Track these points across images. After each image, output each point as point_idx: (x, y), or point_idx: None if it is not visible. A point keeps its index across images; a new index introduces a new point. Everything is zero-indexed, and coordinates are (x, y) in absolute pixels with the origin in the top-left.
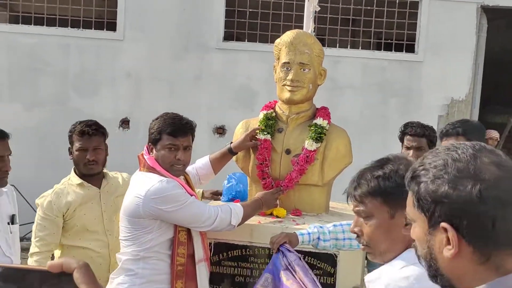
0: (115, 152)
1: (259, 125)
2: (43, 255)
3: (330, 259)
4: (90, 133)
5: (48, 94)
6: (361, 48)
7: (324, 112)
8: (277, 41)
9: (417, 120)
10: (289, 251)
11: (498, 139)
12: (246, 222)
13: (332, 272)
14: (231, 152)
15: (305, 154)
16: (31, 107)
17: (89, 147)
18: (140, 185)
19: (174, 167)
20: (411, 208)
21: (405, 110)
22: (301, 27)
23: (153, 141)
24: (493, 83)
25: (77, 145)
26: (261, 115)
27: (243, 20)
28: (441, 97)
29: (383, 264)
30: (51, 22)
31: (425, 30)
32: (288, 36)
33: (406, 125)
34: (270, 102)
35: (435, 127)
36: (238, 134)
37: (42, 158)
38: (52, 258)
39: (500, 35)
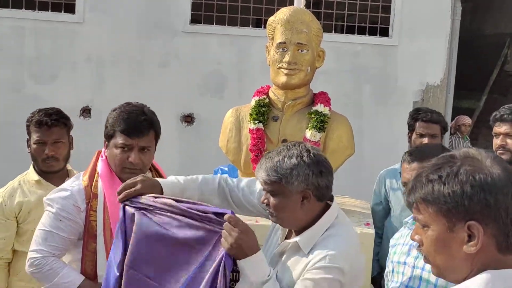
0: (76, 143)
1: (250, 113)
2: None
3: None
4: (49, 124)
5: (2, 80)
6: (334, 32)
7: (323, 97)
8: (271, 19)
9: (393, 107)
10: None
11: (471, 125)
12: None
13: None
14: None
15: None
16: None
17: (48, 140)
18: None
19: (126, 169)
20: None
21: (379, 96)
22: (273, 10)
23: (107, 137)
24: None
25: (34, 137)
26: (253, 102)
27: (211, 1)
28: (416, 82)
29: None
30: (3, 3)
31: (399, 13)
32: (283, 13)
33: (417, 111)
34: (262, 87)
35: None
36: (227, 123)
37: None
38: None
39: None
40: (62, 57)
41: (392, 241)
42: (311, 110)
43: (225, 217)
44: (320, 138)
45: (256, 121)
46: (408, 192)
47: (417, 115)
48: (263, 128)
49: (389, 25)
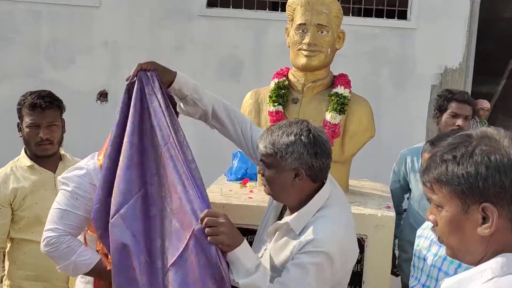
0: (93, 127)
1: (270, 95)
2: None
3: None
4: (43, 106)
5: (19, 65)
6: (352, 15)
7: (344, 79)
8: (291, 0)
9: (411, 90)
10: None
11: (489, 109)
12: (259, 204)
13: (359, 258)
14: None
15: (330, 129)
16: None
17: (42, 123)
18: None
19: None
20: None
21: (397, 80)
22: None
23: None
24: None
25: (27, 120)
26: (272, 84)
27: None
28: (435, 65)
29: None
30: None
31: None
32: None
33: (449, 91)
34: (281, 69)
35: (427, 97)
36: (246, 106)
37: (12, 136)
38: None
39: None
40: (79, 41)
41: (418, 231)
42: (331, 92)
43: (204, 214)
44: (340, 120)
45: (275, 103)
46: (423, 172)
47: (451, 95)
48: (282, 110)
49: (407, 7)
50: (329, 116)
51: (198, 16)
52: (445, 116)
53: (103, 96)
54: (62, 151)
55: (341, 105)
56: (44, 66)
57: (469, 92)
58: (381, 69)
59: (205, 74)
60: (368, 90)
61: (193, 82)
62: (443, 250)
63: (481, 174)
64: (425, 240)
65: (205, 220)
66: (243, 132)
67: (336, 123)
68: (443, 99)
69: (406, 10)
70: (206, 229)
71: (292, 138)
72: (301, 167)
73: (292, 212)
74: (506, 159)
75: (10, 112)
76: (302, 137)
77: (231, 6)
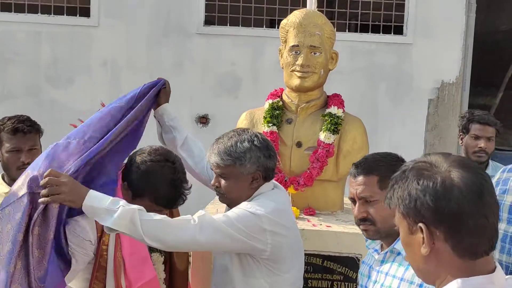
0: None
1: (264, 116)
2: None
3: (351, 263)
4: (25, 131)
5: (19, 85)
6: (348, 31)
7: (337, 99)
8: (284, 22)
9: (408, 105)
10: None
11: None
12: None
13: (354, 277)
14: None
15: (324, 149)
16: (0, 100)
17: (24, 147)
18: None
19: None
20: None
21: (395, 95)
22: (286, 10)
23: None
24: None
25: (8, 145)
26: (267, 105)
27: (224, 3)
28: (432, 80)
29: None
30: (19, 8)
31: (413, 11)
32: (296, 16)
33: (471, 112)
34: (276, 90)
35: (425, 112)
36: (241, 126)
37: None
38: None
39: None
40: (78, 61)
41: (365, 258)
42: (325, 113)
43: (48, 173)
44: (334, 140)
45: (270, 124)
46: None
47: (473, 117)
48: (277, 131)
49: (403, 23)
50: (323, 136)
51: (195, 34)
52: (467, 138)
53: None
54: None
55: (335, 125)
56: (44, 86)
57: (466, 105)
58: (378, 84)
59: (203, 91)
60: (365, 106)
61: (175, 115)
62: (381, 276)
63: (412, 196)
64: (365, 267)
65: (46, 179)
66: (202, 164)
67: (330, 143)
68: (466, 121)
69: (402, 26)
70: (46, 189)
71: (246, 144)
72: (259, 170)
73: None
74: (431, 182)
75: None
76: (255, 142)
77: (228, 24)
